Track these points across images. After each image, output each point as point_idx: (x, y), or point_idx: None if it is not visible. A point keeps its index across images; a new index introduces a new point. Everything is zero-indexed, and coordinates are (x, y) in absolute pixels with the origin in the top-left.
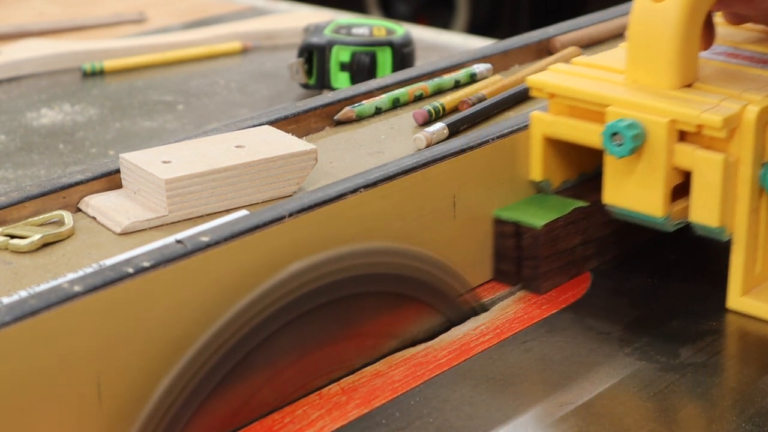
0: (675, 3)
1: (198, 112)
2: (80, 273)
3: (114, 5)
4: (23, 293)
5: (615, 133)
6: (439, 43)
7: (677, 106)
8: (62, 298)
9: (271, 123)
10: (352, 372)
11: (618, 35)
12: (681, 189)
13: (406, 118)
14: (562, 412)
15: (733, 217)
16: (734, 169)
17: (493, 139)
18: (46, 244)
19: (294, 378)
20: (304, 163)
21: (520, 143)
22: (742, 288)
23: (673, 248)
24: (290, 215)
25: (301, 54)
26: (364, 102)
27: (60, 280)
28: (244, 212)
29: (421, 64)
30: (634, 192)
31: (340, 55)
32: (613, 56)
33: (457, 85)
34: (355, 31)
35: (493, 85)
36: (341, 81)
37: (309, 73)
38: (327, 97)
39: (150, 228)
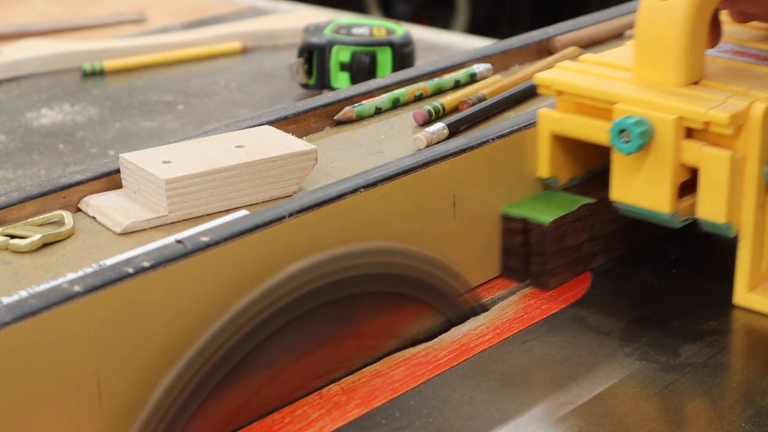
0: (682, 1)
1: (198, 112)
2: (80, 273)
3: (114, 5)
4: (23, 293)
5: (623, 130)
6: (439, 43)
7: (684, 103)
8: (62, 298)
9: (271, 123)
10: (352, 372)
11: (618, 35)
12: (688, 185)
13: (406, 118)
14: (562, 412)
15: (739, 213)
16: (741, 165)
17: (493, 139)
18: (46, 244)
19: (294, 378)
20: (304, 163)
21: (527, 141)
22: (748, 284)
23: (673, 248)
24: (290, 215)
25: (301, 54)
26: (364, 102)
27: (60, 280)
28: (244, 212)
29: (421, 64)
30: (641, 189)
31: (340, 55)
32: (619, 54)
33: (457, 85)
34: (355, 31)
35: (493, 85)
36: (341, 81)
37: (309, 73)
38: (327, 97)
39: (150, 228)
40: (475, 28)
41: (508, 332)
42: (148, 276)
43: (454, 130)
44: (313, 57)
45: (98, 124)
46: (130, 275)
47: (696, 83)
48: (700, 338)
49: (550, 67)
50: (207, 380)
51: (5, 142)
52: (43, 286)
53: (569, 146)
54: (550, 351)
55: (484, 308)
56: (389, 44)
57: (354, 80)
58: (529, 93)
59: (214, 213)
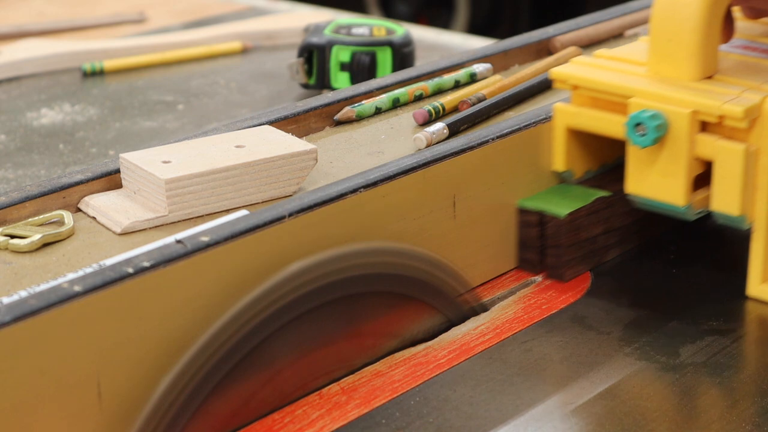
0: None
1: (198, 112)
2: (80, 273)
3: (114, 5)
4: (23, 293)
5: (638, 124)
6: (439, 43)
7: (699, 97)
8: (62, 298)
9: (271, 123)
10: (352, 372)
11: (618, 35)
12: (702, 178)
13: (406, 118)
14: (562, 412)
15: (753, 205)
16: (755, 158)
17: (493, 139)
18: (46, 244)
19: (294, 378)
20: (304, 163)
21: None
22: (762, 275)
23: (673, 247)
24: (290, 215)
25: (301, 54)
26: (364, 102)
27: (60, 280)
28: (244, 212)
29: (421, 64)
30: (656, 181)
31: (340, 55)
32: (634, 49)
33: (457, 85)
34: (355, 31)
35: (493, 85)
36: (341, 81)
37: (309, 73)
38: (327, 97)
39: (150, 228)
40: (475, 28)
41: (508, 332)
42: (148, 276)
43: (454, 130)
44: (313, 57)
45: (98, 124)
46: (130, 275)
47: (710, 78)
48: (700, 338)
49: (550, 67)
50: (207, 380)
51: (5, 142)
52: (43, 286)
53: (584, 140)
54: (550, 351)
55: (484, 308)
56: (389, 44)
57: (354, 80)
58: (530, 93)
59: (214, 213)
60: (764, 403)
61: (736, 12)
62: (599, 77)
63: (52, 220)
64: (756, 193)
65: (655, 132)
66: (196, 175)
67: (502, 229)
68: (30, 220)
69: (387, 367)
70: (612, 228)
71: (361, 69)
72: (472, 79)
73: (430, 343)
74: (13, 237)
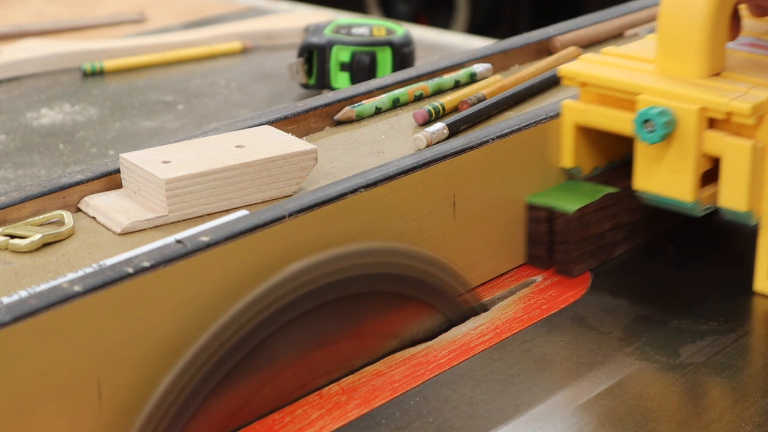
0: None
1: (198, 112)
2: (80, 273)
3: (114, 5)
4: (23, 293)
5: (647, 120)
6: (439, 43)
7: (707, 94)
8: (62, 298)
9: (271, 123)
10: (352, 372)
11: (618, 35)
12: (710, 175)
13: (406, 118)
14: (562, 412)
15: (760, 201)
16: (762, 154)
17: (493, 139)
18: (46, 244)
19: (294, 378)
20: (304, 163)
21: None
22: None
23: (672, 246)
24: (290, 215)
25: (301, 54)
26: (364, 102)
27: (60, 280)
28: (244, 212)
29: (421, 64)
30: (664, 178)
31: (340, 55)
32: (641, 47)
33: (457, 85)
34: (355, 31)
35: (493, 85)
36: (341, 81)
37: (309, 73)
38: (327, 97)
39: (150, 228)
40: (475, 28)
41: (508, 332)
42: (148, 276)
43: (454, 130)
44: (313, 57)
45: (98, 124)
46: (130, 275)
47: (717, 75)
48: (700, 338)
49: (550, 67)
50: (207, 380)
51: (5, 142)
52: (43, 286)
53: (592, 137)
54: (550, 351)
55: (484, 308)
56: (389, 44)
57: (354, 80)
58: (530, 93)
59: (214, 213)
60: (765, 403)
61: (743, 10)
62: (608, 74)
63: (52, 220)
64: (763, 189)
65: (664, 128)
66: (196, 175)
67: (507, 227)
68: (30, 220)
69: (387, 367)
70: (620, 224)
71: (361, 69)
72: (472, 79)
73: (430, 343)
74: (13, 237)
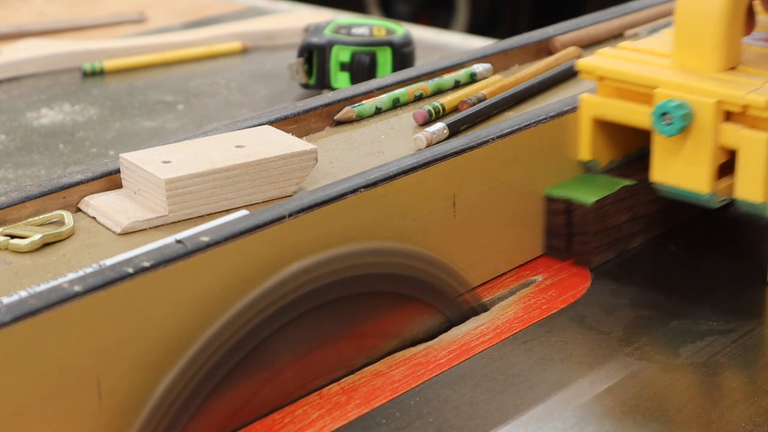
0: None
1: (198, 112)
2: (80, 273)
3: (114, 5)
4: (23, 293)
5: (664, 113)
6: (439, 43)
7: (723, 87)
8: (62, 298)
9: (271, 123)
10: (352, 372)
11: (618, 35)
12: (726, 167)
13: (406, 118)
14: (562, 412)
15: None
16: None
17: (493, 139)
18: (46, 244)
19: (294, 378)
20: (304, 163)
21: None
22: None
23: (672, 246)
24: (290, 215)
25: (301, 54)
26: (364, 102)
27: (60, 280)
28: (244, 212)
29: (421, 64)
30: (681, 170)
31: (340, 55)
32: (657, 41)
33: (457, 85)
34: (355, 31)
35: (493, 85)
36: (341, 81)
37: (309, 73)
38: (327, 97)
39: (150, 228)
40: (475, 28)
41: (508, 332)
42: (148, 276)
43: (454, 130)
44: (313, 57)
45: (98, 124)
46: (130, 275)
47: (733, 69)
48: (700, 338)
49: (550, 67)
50: (207, 380)
51: (5, 142)
52: (43, 286)
53: (608, 130)
54: (550, 351)
55: (485, 308)
56: (389, 44)
57: (354, 80)
58: (530, 93)
59: (214, 213)
60: (765, 403)
61: (757, 6)
62: (625, 68)
63: (52, 220)
64: None
65: (681, 121)
66: (196, 175)
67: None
68: (30, 220)
69: (387, 367)
70: (636, 216)
71: (361, 69)
72: (472, 79)
73: (430, 343)
74: (13, 237)
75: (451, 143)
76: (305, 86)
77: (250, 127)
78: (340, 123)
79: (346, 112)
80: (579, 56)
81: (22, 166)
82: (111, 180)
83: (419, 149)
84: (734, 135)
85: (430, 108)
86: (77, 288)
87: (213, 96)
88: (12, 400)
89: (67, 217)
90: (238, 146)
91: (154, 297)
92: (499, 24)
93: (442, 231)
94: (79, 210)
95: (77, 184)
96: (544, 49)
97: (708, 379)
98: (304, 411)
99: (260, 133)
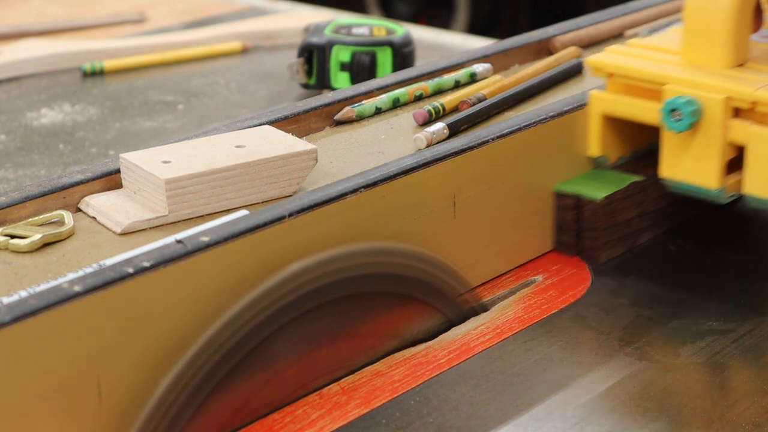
0: None
1: (198, 112)
2: (80, 273)
3: (114, 5)
4: (23, 293)
5: (674, 110)
6: (439, 43)
7: (732, 84)
8: (62, 298)
9: (271, 123)
10: (352, 372)
11: (618, 35)
12: (735, 162)
13: (406, 118)
14: (562, 412)
15: None
16: None
17: (493, 139)
18: (46, 244)
19: (294, 378)
20: (304, 163)
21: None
22: None
23: (672, 246)
24: (290, 215)
25: (301, 54)
26: (364, 102)
27: (60, 280)
28: (244, 212)
29: (421, 64)
30: (690, 165)
31: (340, 55)
32: (666, 38)
33: (457, 85)
34: (355, 31)
35: (493, 85)
36: (341, 81)
37: (309, 73)
38: (327, 97)
39: (150, 228)
40: (475, 28)
41: (509, 332)
42: (148, 276)
43: (454, 130)
44: (313, 57)
45: (98, 124)
46: (130, 275)
47: (741, 65)
48: (700, 338)
49: (550, 67)
50: (207, 380)
51: (5, 142)
52: (43, 286)
53: (617, 127)
54: (550, 351)
55: (485, 308)
56: (389, 44)
57: (354, 80)
58: (530, 93)
59: (214, 213)
60: (765, 403)
61: (765, 4)
62: (635, 65)
63: (52, 220)
64: None
65: (690, 117)
66: (196, 175)
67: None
68: (30, 220)
69: (387, 367)
70: (645, 212)
71: (361, 69)
72: (472, 79)
73: (430, 343)
74: (13, 237)
75: (451, 143)
76: (305, 86)
77: (250, 127)
78: (340, 123)
79: (346, 112)
80: (579, 56)
81: (22, 166)
82: (111, 180)
83: (419, 149)
84: (743, 131)
85: (430, 108)
86: (77, 288)
87: (213, 96)
88: (12, 400)
89: (67, 217)
90: (238, 146)
91: (154, 297)
92: (499, 24)
93: (442, 231)
94: (79, 210)
95: (77, 184)
96: (544, 49)
97: (708, 379)
98: (304, 411)
99: (260, 133)
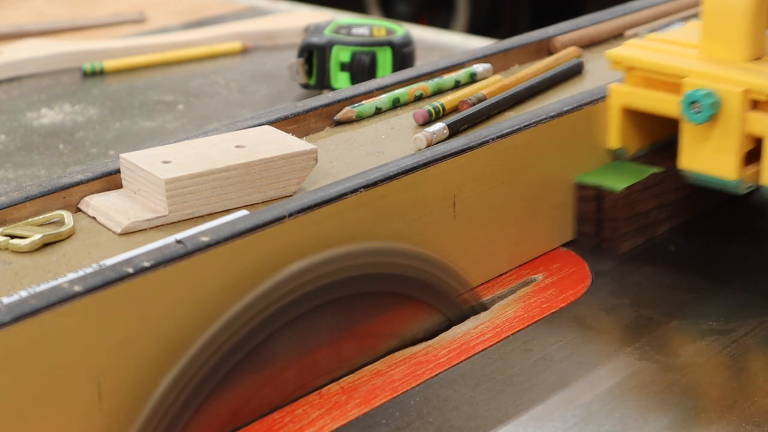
0: None
1: (198, 112)
2: (80, 273)
3: (114, 5)
4: (23, 293)
5: (693, 102)
6: (439, 43)
7: (750, 76)
8: (62, 298)
9: (271, 123)
10: (352, 371)
11: (618, 35)
12: (753, 154)
13: (406, 118)
14: (562, 412)
15: None
16: None
17: (493, 139)
18: (46, 244)
19: (294, 378)
20: (304, 163)
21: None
22: None
23: (672, 246)
24: (290, 215)
25: (301, 54)
26: (364, 102)
27: (60, 280)
28: (244, 212)
29: (421, 64)
30: (709, 157)
31: (340, 55)
32: (683, 33)
33: (457, 85)
34: (355, 31)
35: (493, 85)
36: (341, 81)
37: (309, 73)
38: (327, 97)
39: (150, 228)
40: (475, 28)
41: (508, 332)
42: (148, 276)
43: (454, 130)
44: (313, 57)
45: (98, 124)
46: (130, 275)
47: (759, 59)
48: (700, 338)
49: (550, 67)
50: (207, 380)
51: (5, 142)
52: (43, 286)
53: (636, 120)
54: (550, 351)
55: (484, 307)
56: (389, 44)
57: (354, 80)
58: (530, 93)
59: (214, 213)
60: (765, 403)
61: None
62: (654, 58)
63: (52, 220)
64: None
65: (710, 109)
66: (196, 175)
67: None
68: (30, 220)
69: (387, 367)
70: (664, 203)
71: (361, 69)
72: (472, 79)
73: (430, 342)
74: (13, 237)
75: (451, 143)
76: (305, 86)
77: (250, 127)
78: (340, 123)
79: (346, 112)
80: (579, 56)
81: (22, 166)
82: (111, 180)
83: (419, 149)
84: (761, 123)
85: (430, 108)
86: (77, 288)
87: (213, 96)
88: (12, 400)
89: (67, 217)
90: (238, 146)
91: (154, 297)
92: (499, 24)
93: (442, 231)
94: (79, 210)
95: (77, 184)
96: (544, 49)
97: (708, 379)
98: (304, 411)
99: (260, 133)
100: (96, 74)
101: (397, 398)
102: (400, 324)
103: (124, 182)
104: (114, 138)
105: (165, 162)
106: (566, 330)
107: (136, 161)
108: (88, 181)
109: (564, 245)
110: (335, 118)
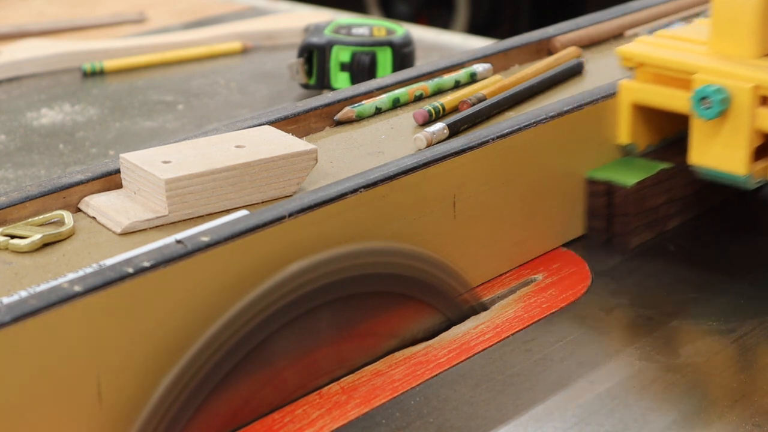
0: None
1: (198, 112)
2: (80, 273)
3: (114, 5)
4: (23, 293)
5: (704, 98)
6: (439, 43)
7: (760, 73)
8: (62, 298)
9: (271, 123)
10: (352, 371)
11: (618, 35)
12: (762, 150)
13: (406, 118)
14: (562, 412)
15: None
16: None
17: (493, 139)
18: (46, 244)
19: (294, 378)
20: (304, 163)
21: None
22: None
23: (671, 245)
24: (290, 215)
25: (301, 54)
26: (364, 102)
27: (60, 280)
28: (244, 212)
29: (421, 64)
30: (719, 152)
31: (340, 55)
32: (693, 30)
33: (457, 85)
34: (355, 31)
35: (493, 85)
36: (341, 81)
37: (309, 73)
38: (327, 97)
39: (150, 228)
40: (475, 28)
41: (509, 332)
42: (148, 276)
43: (454, 130)
44: (313, 57)
45: (98, 124)
46: (130, 275)
47: None
48: (700, 338)
49: (550, 67)
50: (207, 380)
51: (5, 142)
52: (43, 286)
53: (646, 116)
54: (550, 351)
55: (484, 307)
56: (389, 44)
57: (354, 80)
58: (530, 92)
59: (214, 213)
60: (765, 403)
61: None
62: (664, 55)
63: (52, 220)
64: None
65: (720, 105)
66: (196, 175)
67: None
68: (30, 220)
69: (387, 367)
70: (673, 198)
71: (361, 69)
72: (472, 79)
73: (430, 342)
74: (13, 237)
75: (451, 143)
76: (305, 86)
77: (250, 127)
78: (340, 123)
79: (346, 112)
80: (579, 56)
81: (22, 166)
82: (111, 180)
83: (419, 149)
84: None
85: (430, 108)
86: (77, 288)
87: (213, 96)
88: (12, 400)
89: (67, 217)
90: (238, 146)
91: (154, 297)
92: (499, 24)
93: (442, 231)
94: (79, 210)
95: (77, 184)
96: (544, 49)
97: (708, 379)
98: (304, 411)
99: (260, 133)
100: (96, 74)
101: (397, 398)
102: (400, 324)
103: (124, 182)
104: (114, 138)
105: (165, 162)
106: (566, 330)
107: (136, 161)
108: (88, 181)
109: (569, 243)
110: (335, 118)
